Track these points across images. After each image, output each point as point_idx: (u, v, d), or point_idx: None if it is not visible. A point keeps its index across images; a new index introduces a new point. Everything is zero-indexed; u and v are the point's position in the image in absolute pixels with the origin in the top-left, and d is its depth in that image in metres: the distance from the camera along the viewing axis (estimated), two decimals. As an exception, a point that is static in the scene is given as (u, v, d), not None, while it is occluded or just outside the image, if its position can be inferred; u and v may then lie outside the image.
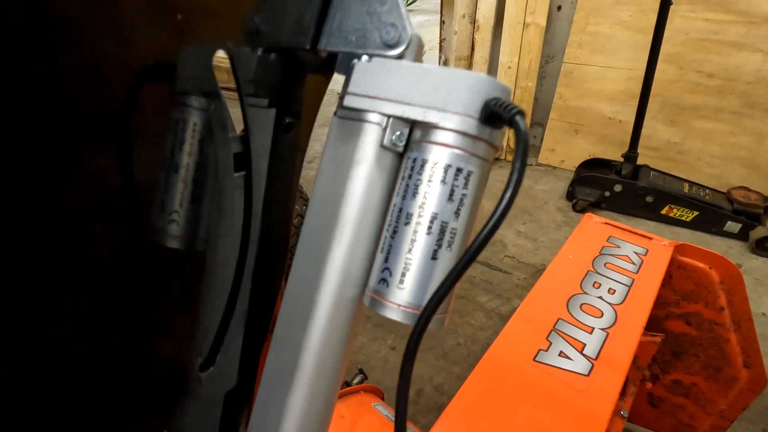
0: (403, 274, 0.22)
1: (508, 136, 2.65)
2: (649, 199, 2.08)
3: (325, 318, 0.25)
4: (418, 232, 0.22)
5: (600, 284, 0.80)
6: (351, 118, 0.24)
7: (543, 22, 2.33)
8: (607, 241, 0.92)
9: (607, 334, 0.70)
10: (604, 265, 0.85)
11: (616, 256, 0.87)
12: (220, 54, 0.25)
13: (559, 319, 0.73)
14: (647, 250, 0.89)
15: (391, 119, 0.23)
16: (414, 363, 0.24)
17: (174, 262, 0.25)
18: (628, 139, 2.06)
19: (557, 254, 0.90)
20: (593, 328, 0.71)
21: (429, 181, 0.22)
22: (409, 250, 0.22)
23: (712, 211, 1.98)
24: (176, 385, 0.26)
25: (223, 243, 0.24)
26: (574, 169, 2.35)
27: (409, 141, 0.23)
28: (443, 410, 0.58)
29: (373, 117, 0.23)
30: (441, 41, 2.95)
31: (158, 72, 0.24)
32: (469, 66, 2.66)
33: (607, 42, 2.29)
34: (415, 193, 0.22)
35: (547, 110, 2.59)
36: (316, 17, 0.25)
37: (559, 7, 2.46)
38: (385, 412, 0.74)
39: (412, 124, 0.23)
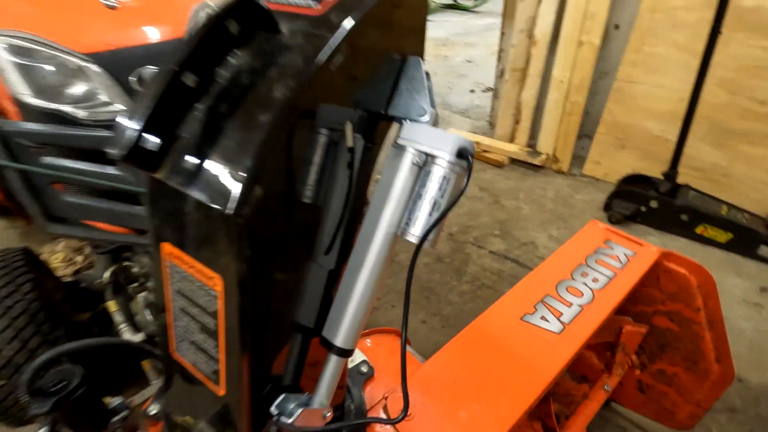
0: (415, 222, 0.48)
1: (555, 147, 2.80)
2: (684, 217, 2.17)
3: (378, 245, 0.51)
4: (423, 204, 0.48)
5: (587, 274, 1.01)
6: (400, 148, 0.50)
7: (597, 42, 2.45)
8: (604, 243, 1.12)
9: (582, 309, 0.92)
10: (595, 260, 1.05)
11: (607, 254, 1.07)
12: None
13: (547, 294, 0.95)
14: (635, 253, 1.08)
15: (417, 152, 0.48)
16: (414, 267, 0.50)
17: (308, 212, 0.52)
18: (672, 156, 2.16)
19: (559, 248, 1.11)
20: (572, 304, 0.93)
21: (431, 181, 0.47)
22: (418, 210, 0.48)
23: (746, 234, 2.04)
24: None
25: (336, 202, 0.50)
26: (617, 183, 2.46)
27: (425, 162, 0.49)
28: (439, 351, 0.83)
29: (410, 149, 0.49)
30: (500, 51, 3.13)
31: (308, 114, 0.51)
32: (523, 77, 2.82)
33: (661, 63, 2.37)
34: (424, 186, 0.48)
35: (597, 124, 2.70)
36: (387, 98, 0.51)
37: (617, 26, 2.56)
38: (409, 350, 1.01)
39: (427, 155, 0.48)
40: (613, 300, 0.95)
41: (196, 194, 0.40)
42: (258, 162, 0.38)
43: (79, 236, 1.12)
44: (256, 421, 0.51)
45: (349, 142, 0.48)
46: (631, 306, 1.21)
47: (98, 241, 1.15)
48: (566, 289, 0.97)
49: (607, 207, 2.38)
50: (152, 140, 0.37)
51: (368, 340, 1.02)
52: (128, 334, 1.12)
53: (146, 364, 1.13)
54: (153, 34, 1.04)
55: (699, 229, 2.16)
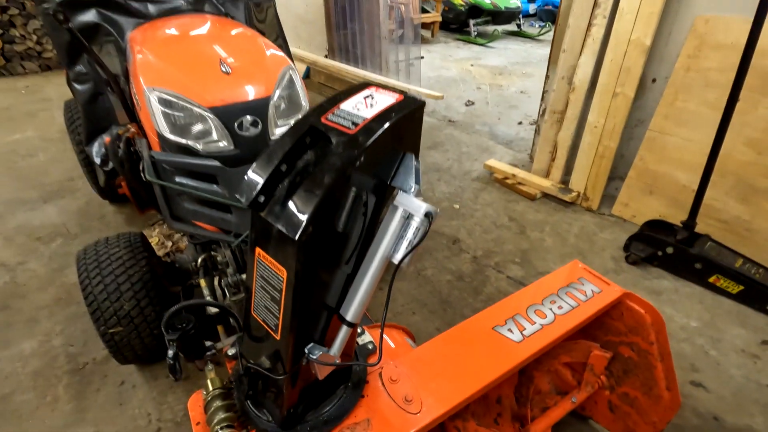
0: (398, 251, 0.81)
1: (586, 186, 3.00)
2: (698, 265, 2.30)
3: (377, 262, 0.85)
4: (404, 241, 0.81)
5: (555, 302, 1.28)
6: (394, 207, 0.83)
7: (631, 94, 2.64)
8: (578, 279, 1.38)
9: (542, 327, 1.20)
10: (566, 292, 1.32)
11: (577, 289, 1.33)
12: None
13: (517, 313, 1.24)
14: (601, 290, 1.33)
15: (404, 211, 0.82)
16: (394, 279, 0.83)
17: (338, 237, 0.88)
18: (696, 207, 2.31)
19: (540, 279, 1.39)
20: (535, 323, 1.21)
21: (409, 228, 0.81)
22: (401, 245, 0.81)
23: (757, 289, 2.15)
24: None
25: (356, 233, 0.85)
26: (641, 226, 2.62)
27: (408, 217, 0.82)
28: (429, 339, 1.15)
29: (400, 209, 0.82)
30: (543, 92, 3.37)
31: (345, 179, 0.86)
32: (561, 119, 3.05)
33: (692, 118, 2.52)
34: (405, 231, 0.81)
35: (630, 167, 2.87)
36: (392, 175, 0.85)
37: (654, 80, 2.74)
38: (408, 341, 1.33)
39: (409, 213, 0.82)
40: (568, 324, 1.21)
41: (279, 226, 0.76)
42: (311, 214, 0.74)
43: (189, 231, 1.56)
44: (295, 357, 0.87)
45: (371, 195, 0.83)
46: (603, 335, 1.45)
47: (198, 235, 1.59)
48: (534, 311, 1.25)
49: (626, 248, 2.55)
50: (262, 198, 0.74)
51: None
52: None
53: (220, 328, 1.54)
54: (251, 93, 1.45)
55: (712, 279, 2.28)
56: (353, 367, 1.07)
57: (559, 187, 3.09)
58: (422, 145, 4.09)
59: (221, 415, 0.93)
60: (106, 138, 1.88)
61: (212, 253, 1.69)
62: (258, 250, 0.83)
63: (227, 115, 1.40)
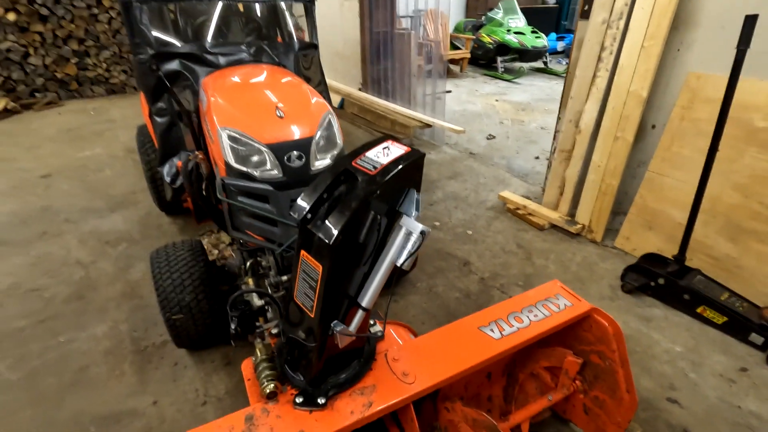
0: (401, 257, 1.15)
1: (590, 220, 3.26)
2: (686, 296, 2.51)
3: (386, 265, 1.18)
4: (405, 251, 1.15)
5: (532, 311, 1.58)
6: (399, 226, 1.18)
7: (630, 139, 2.92)
8: (554, 295, 1.67)
9: (518, 330, 1.49)
10: (542, 305, 1.61)
11: (552, 302, 1.62)
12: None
13: (500, 318, 1.54)
14: (572, 305, 1.61)
15: (406, 230, 1.16)
16: (393, 282, 1.16)
17: (359, 246, 1.22)
18: (692, 243, 2.54)
19: (524, 292, 1.68)
20: (513, 326, 1.51)
21: (410, 242, 1.14)
22: (404, 252, 1.15)
23: (739, 321, 2.34)
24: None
25: (372, 244, 1.19)
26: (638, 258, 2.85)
27: (409, 234, 1.16)
28: (425, 334, 1.46)
29: (404, 228, 1.16)
30: (555, 131, 3.68)
31: (367, 205, 1.20)
32: (569, 157, 3.34)
33: (685, 162, 2.77)
34: (406, 244, 1.15)
35: (632, 204, 3.11)
36: (400, 203, 1.20)
37: (653, 126, 3.01)
38: (410, 335, 1.64)
39: (410, 231, 1.16)
40: (540, 329, 1.50)
41: (320, 235, 1.11)
42: (341, 229, 1.09)
43: (244, 239, 1.95)
44: (323, 331, 1.21)
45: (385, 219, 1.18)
46: (577, 344, 1.72)
47: (248, 242, 1.97)
48: (514, 317, 1.55)
49: (623, 277, 2.78)
50: (309, 215, 1.10)
51: (390, 328, 1.68)
52: (257, 300, 1.90)
53: (261, 319, 1.90)
54: (298, 133, 1.85)
55: (699, 309, 2.48)
56: (364, 347, 1.39)
57: (566, 219, 3.36)
58: (442, 174, 4.45)
59: (267, 373, 1.27)
60: (178, 162, 2.33)
61: (258, 258, 2.07)
62: (303, 252, 1.19)
63: (279, 150, 1.79)
